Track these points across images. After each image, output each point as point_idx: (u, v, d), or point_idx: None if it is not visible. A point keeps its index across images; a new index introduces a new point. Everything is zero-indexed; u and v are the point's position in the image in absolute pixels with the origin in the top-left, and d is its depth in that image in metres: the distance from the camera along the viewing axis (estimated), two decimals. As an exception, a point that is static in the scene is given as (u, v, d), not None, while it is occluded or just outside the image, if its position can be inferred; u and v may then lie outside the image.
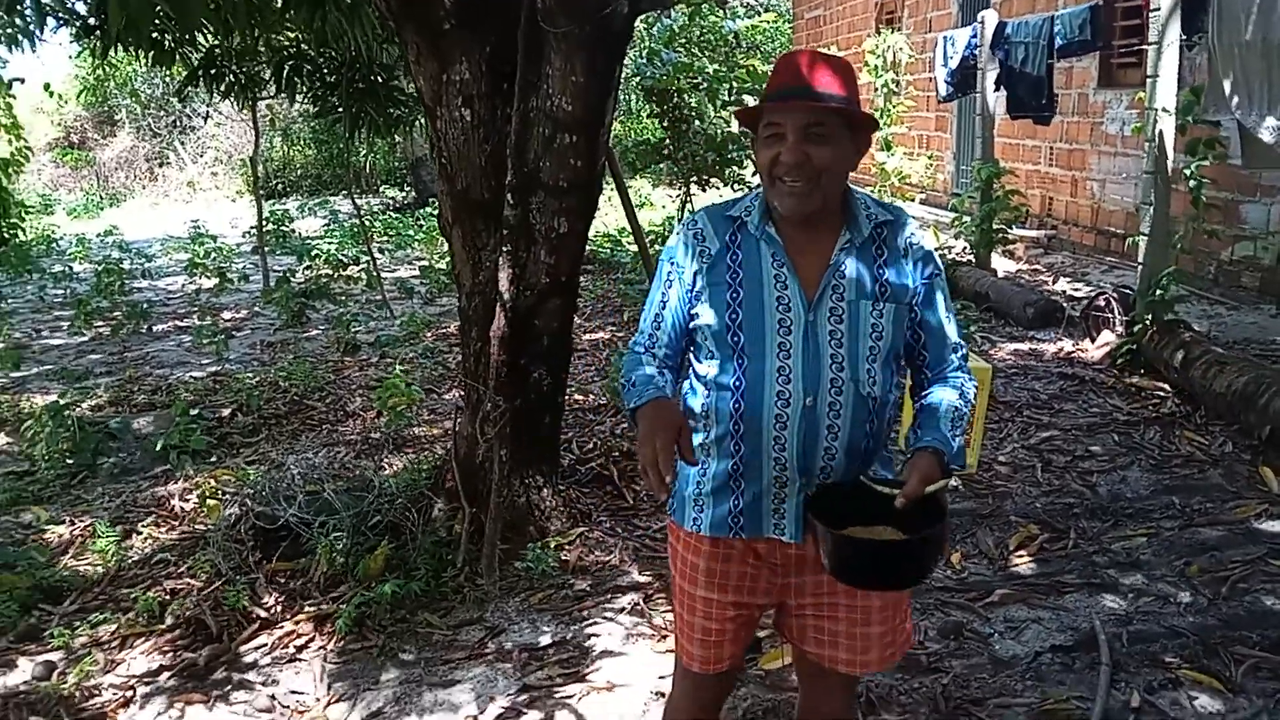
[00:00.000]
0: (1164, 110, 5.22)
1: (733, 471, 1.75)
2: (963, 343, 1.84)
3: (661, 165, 10.33)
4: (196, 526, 4.03)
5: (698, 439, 1.79)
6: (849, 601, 1.80)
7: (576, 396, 5.38)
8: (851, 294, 1.69)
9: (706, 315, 1.72)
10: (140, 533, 4.04)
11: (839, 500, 1.68)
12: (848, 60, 1.77)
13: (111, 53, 5.48)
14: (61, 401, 5.18)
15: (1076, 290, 7.53)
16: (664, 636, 3.09)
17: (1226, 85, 5.10)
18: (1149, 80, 5.31)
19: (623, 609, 3.29)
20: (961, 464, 1.72)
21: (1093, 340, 5.95)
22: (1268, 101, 4.89)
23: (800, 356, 1.67)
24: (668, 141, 9.18)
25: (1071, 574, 3.41)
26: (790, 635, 1.92)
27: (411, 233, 12.53)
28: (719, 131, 9.12)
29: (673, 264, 1.79)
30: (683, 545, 1.88)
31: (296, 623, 3.25)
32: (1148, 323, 5.38)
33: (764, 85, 1.81)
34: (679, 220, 9.57)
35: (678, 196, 10.54)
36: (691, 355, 1.83)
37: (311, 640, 3.18)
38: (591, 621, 3.22)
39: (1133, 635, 3.00)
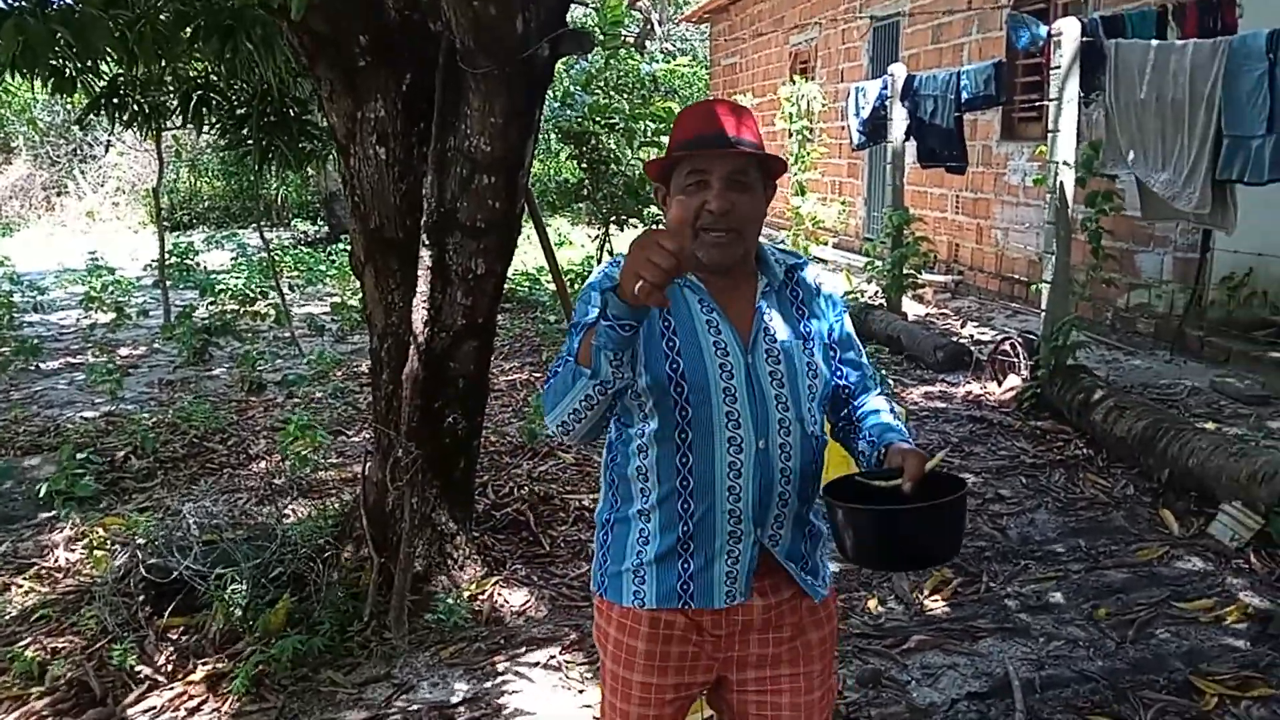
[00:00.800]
0: (1064, 164, 5.43)
1: (681, 535, 1.67)
2: (877, 373, 1.85)
3: (580, 205, 10.35)
4: (82, 579, 3.78)
5: (634, 507, 1.70)
6: (791, 670, 1.75)
7: (492, 438, 5.27)
8: (782, 335, 1.69)
9: (646, 364, 1.64)
10: (20, 586, 3.78)
11: (845, 495, 1.61)
12: (747, 107, 1.77)
13: (7, 79, 5.24)
14: (-63, 444, 4.85)
15: (983, 334, 7.75)
16: (581, 691, 3.00)
17: (1123, 141, 5.34)
18: (1050, 134, 5.52)
19: (538, 663, 3.19)
20: None
21: (999, 384, 6.11)
22: (1161, 158, 5.12)
23: (746, 399, 1.64)
24: (586, 182, 9.20)
25: (985, 618, 3.44)
26: (729, 712, 1.82)
27: (324, 268, 12.24)
28: (635, 173, 9.19)
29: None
30: (615, 627, 1.75)
31: (189, 684, 3.06)
32: (1051, 367, 5.55)
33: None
34: (598, 261, 9.57)
35: (597, 236, 10.56)
36: (613, 421, 1.73)
37: (204, 702, 2.99)
38: (505, 677, 3.11)
39: (1045, 680, 3.03)
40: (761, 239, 1.78)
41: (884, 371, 6.41)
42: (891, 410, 1.79)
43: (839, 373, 1.80)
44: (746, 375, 1.65)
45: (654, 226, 1.47)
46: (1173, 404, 5.59)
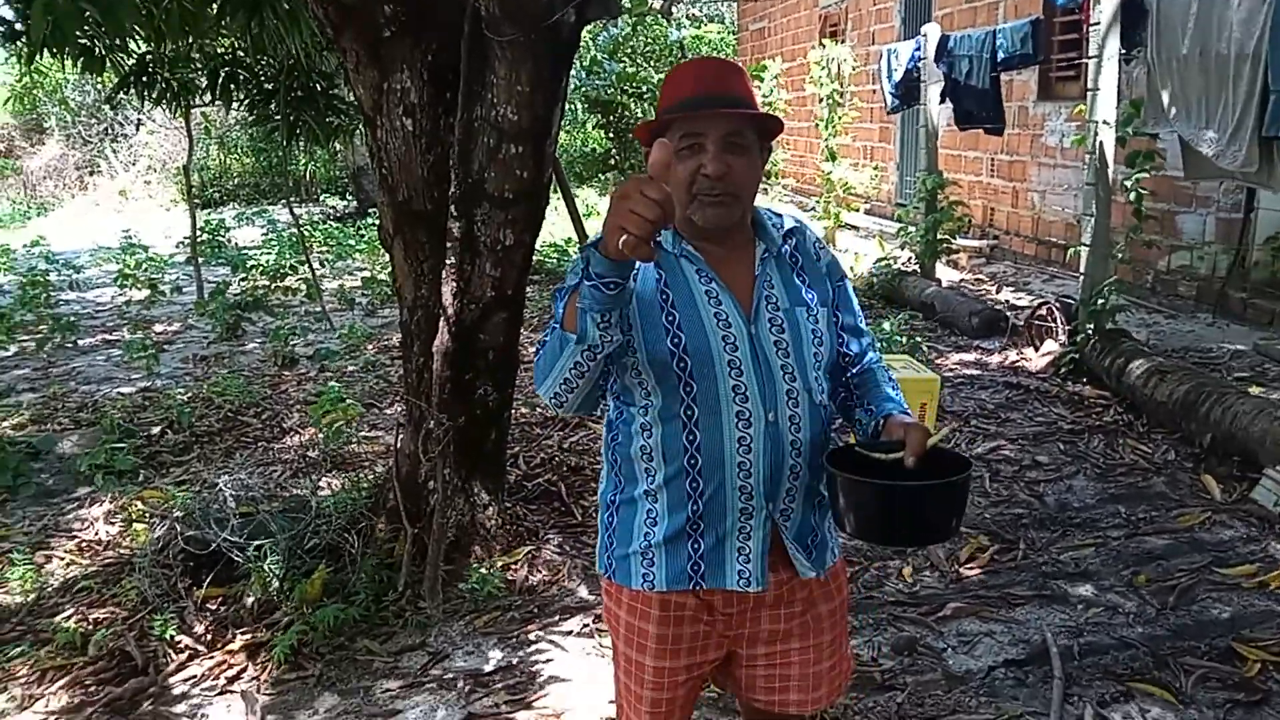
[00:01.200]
0: (1104, 123, 5.29)
1: (691, 515, 1.63)
2: (873, 337, 1.83)
3: (607, 174, 10.28)
4: (122, 551, 3.84)
5: (639, 488, 1.67)
6: (802, 644, 1.73)
7: (522, 410, 5.27)
8: (785, 303, 1.65)
9: (646, 340, 1.59)
10: (62, 558, 3.85)
11: (848, 466, 1.56)
12: (737, 63, 1.72)
13: (39, 59, 5.26)
14: (-20, 420, 4.93)
15: (1019, 299, 7.63)
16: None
17: (1165, 98, 5.19)
18: (1089, 93, 5.38)
19: (571, 631, 3.20)
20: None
21: (1036, 349, 6.02)
22: (1205, 115, 4.98)
23: (752, 371, 1.59)
24: (613, 151, 9.13)
25: (1022, 585, 3.40)
26: (737, 686, 1.81)
27: (353, 243, 12.29)
28: (665, 141, 9.09)
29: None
30: (625, 610, 1.71)
31: (228, 652, 3.10)
32: (1089, 332, 5.44)
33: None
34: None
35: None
36: (612, 400, 1.70)
37: (244, 671, 3.03)
38: (539, 645, 3.13)
39: (1084, 648, 2.99)
40: (789, 205, 1.74)
41: (918, 339, 6.33)
42: (890, 380, 1.75)
43: (839, 339, 1.75)
44: (751, 346, 1.60)
45: (636, 174, 1.38)
46: (1215, 368, 5.48)
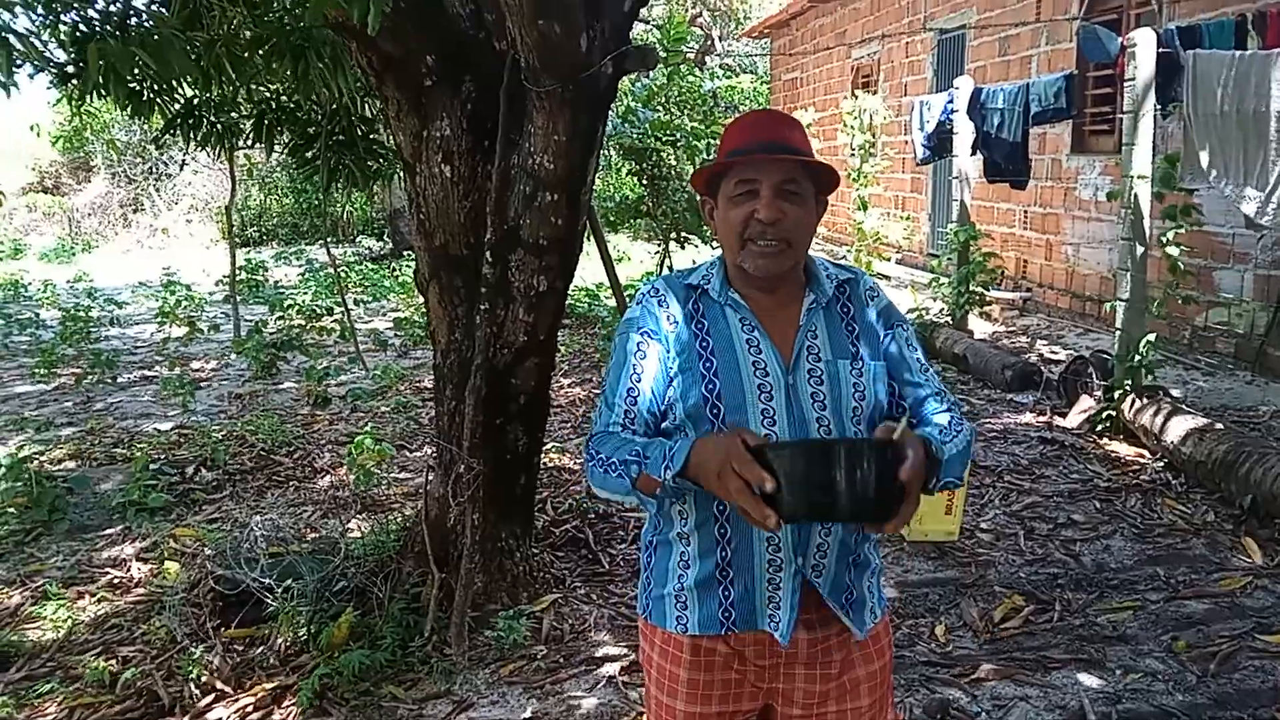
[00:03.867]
0: (1140, 177, 5.27)
1: (720, 562, 1.62)
2: (947, 392, 1.73)
3: (640, 221, 10.35)
4: (153, 589, 3.86)
5: (674, 530, 1.67)
6: (839, 707, 1.69)
7: (552, 454, 5.27)
8: (828, 354, 1.62)
9: (682, 389, 1.60)
10: (94, 594, 3.88)
11: None
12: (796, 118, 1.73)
13: (91, 101, 5.42)
14: (20, 454, 5.00)
15: (1053, 353, 7.55)
16: (641, 714, 2.97)
17: (1203, 156, 5.17)
18: (1124, 148, 5.36)
19: (598, 682, 3.16)
20: (958, 479, 1.59)
21: (1071, 405, 5.94)
22: (1244, 172, 4.95)
23: (786, 422, 1.58)
24: (646, 199, 9.20)
25: (1058, 648, 3.32)
26: None
27: (388, 284, 12.44)
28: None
29: (642, 334, 1.65)
30: (659, 653, 1.71)
31: (254, 695, 3.09)
32: (1126, 388, 5.37)
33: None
34: (652, 278, 9.56)
35: (657, 252, 10.55)
36: None
37: (270, 714, 3.02)
38: (566, 696, 3.09)
39: (1122, 715, 2.91)
40: (819, 254, 1.73)
41: (950, 392, 6.27)
42: (956, 425, 1.64)
43: (895, 392, 1.68)
44: (786, 396, 1.59)
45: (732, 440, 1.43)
46: (1255, 427, 5.38)
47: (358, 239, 18.93)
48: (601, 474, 1.59)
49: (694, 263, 1.84)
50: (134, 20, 4.19)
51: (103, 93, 4.95)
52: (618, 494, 1.58)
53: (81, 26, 4.29)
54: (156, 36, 3.68)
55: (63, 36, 4.37)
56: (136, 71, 4.92)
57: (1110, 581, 3.81)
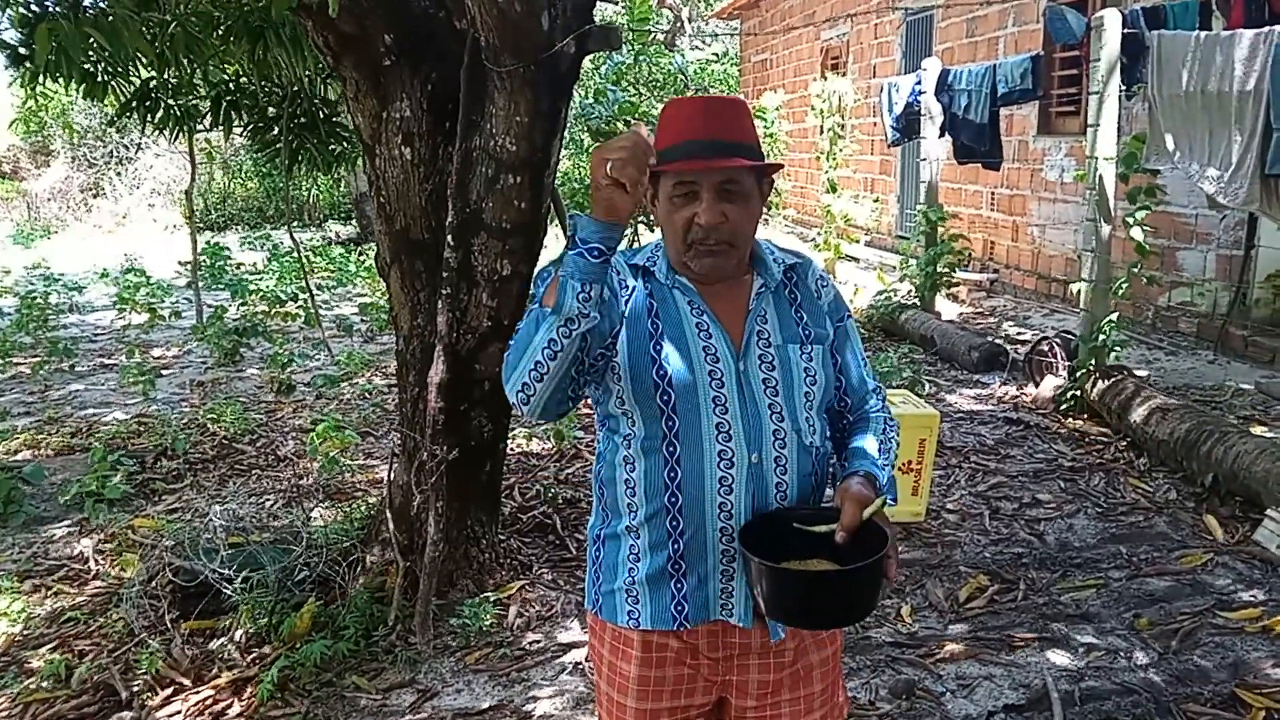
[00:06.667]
0: (1105, 159, 5.29)
1: (673, 555, 1.58)
2: (880, 385, 1.77)
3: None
4: (110, 581, 3.79)
5: (623, 522, 1.63)
6: (792, 694, 1.68)
7: (519, 440, 5.23)
8: (777, 339, 1.60)
9: (629, 370, 1.55)
10: (50, 588, 3.80)
11: (771, 534, 1.52)
12: (739, 98, 1.69)
13: (45, 83, 5.28)
14: (-28, 445, 4.89)
15: (1019, 334, 7.60)
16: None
17: (1167, 136, 5.19)
18: (1089, 129, 5.38)
19: (564, 669, 3.14)
20: (893, 497, 1.61)
21: (1036, 385, 5.98)
22: (1208, 152, 4.98)
23: (738, 409, 1.55)
24: (615, 181, 9.13)
25: (1022, 627, 3.34)
26: None
27: (353, 269, 12.30)
28: (666, 172, 9.10)
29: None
30: (609, 648, 1.67)
31: (214, 687, 3.04)
32: (1090, 368, 5.41)
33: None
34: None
35: (624, 236, 10.48)
36: (600, 428, 1.67)
37: (229, 707, 2.97)
38: (532, 683, 3.07)
39: (1085, 693, 2.93)
40: (789, 236, 1.70)
41: (917, 372, 6.30)
42: (885, 429, 1.69)
43: (836, 380, 1.69)
44: (738, 382, 1.56)
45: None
46: (1216, 406, 5.44)
47: (325, 224, 18.70)
48: (510, 350, 1.50)
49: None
50: (88, 0, 4.08)
51: (55, 75, 4.83)
52: (525, 347, 1.47)
53: (34, 6, 4.17)
54: (111, 17, 3.58)
55: (13, 15, 4.24)
56: (90, 53, 4.81)
57: (1074, 560, 3.84)
